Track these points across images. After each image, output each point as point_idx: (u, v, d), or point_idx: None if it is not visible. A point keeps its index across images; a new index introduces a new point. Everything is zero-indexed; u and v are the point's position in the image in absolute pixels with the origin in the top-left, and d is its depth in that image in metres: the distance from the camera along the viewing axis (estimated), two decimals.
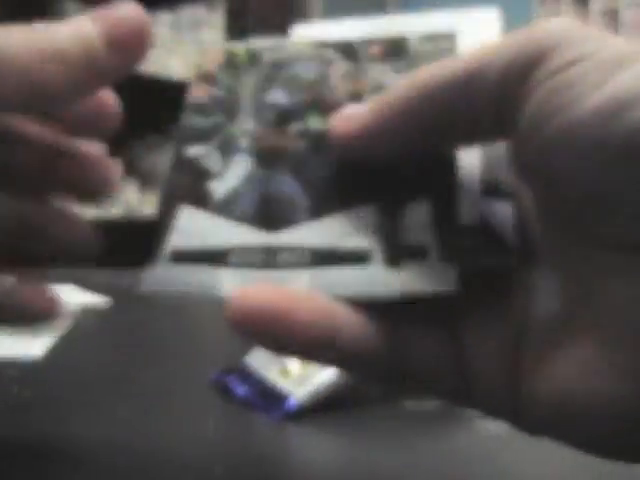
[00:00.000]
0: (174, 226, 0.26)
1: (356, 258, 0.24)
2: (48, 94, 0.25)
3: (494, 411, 0.25)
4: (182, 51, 3.00)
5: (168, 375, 0.50)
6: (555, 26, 0.22)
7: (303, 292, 0.24)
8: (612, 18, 4.00)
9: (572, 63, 0.21)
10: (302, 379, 0.42)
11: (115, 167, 0.31)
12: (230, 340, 0.58)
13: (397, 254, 0.24)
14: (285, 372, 0.43)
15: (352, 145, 0.25)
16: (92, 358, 0.51)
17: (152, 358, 0.57)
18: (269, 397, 0.42)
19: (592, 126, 0.20)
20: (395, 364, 0.24)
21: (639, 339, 0.21)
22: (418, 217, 0.24)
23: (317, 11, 3.78)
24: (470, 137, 0.24)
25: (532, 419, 0.24)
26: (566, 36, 0.22)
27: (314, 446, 0.37)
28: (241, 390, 0.44)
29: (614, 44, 0.21)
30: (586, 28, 0.22)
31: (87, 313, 0.66)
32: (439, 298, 0.24)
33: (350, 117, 0.25)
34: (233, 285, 0.24)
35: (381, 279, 0.24)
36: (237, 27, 3.49)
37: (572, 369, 0.22)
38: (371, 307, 0.24)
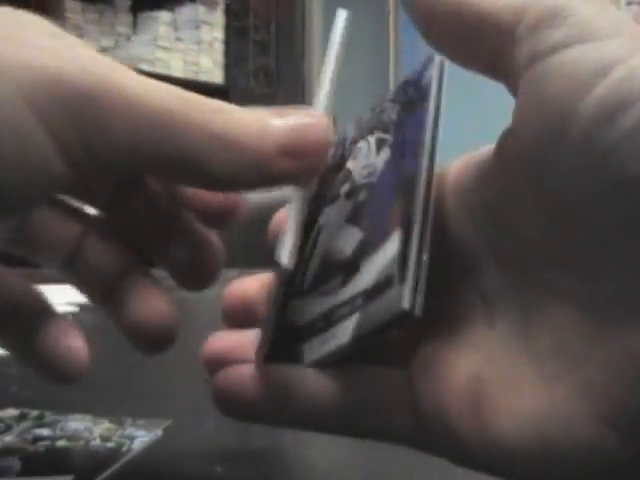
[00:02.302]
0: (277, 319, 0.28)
1: (385, 286, 0.24)
2: (203, 171, 0.24)
3: (460, 459, 0.24)
4: (182, 50, 3.00)
5: (167, 375, 0.50)
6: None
7: (258, 371, 0.26)
8: None
9: (574, 40, 0.20)
10: None
11: (222, 257, 0.30)
12: None
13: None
14: None
15: None
16: (91, 358, 0.51)
17: (151, 358, 0.57)
18: None
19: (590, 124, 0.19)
20: (349, 417, 0.25)
21: (612, 385, 0.20)
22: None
23: (317, 10, 3.78)
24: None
25: (503, 465, 0.22)
26: (572, 5, 0.21)
27: (313, 445, 0.37)
28: None
29: (614, 25, 0.20)
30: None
31: (86, 313, 0.66)
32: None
33: None
34: (310, 354, 0.26)
35: (399, 298, 0.23)
36: (237, 27, 3.49)
37: (542, 410, 0.21)
38: (327, 366, 0.25)
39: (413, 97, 0.27)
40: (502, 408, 0.22)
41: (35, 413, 0.39)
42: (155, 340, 0.30)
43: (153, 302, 0.29)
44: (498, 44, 0.22)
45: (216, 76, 3.12)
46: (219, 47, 3.16)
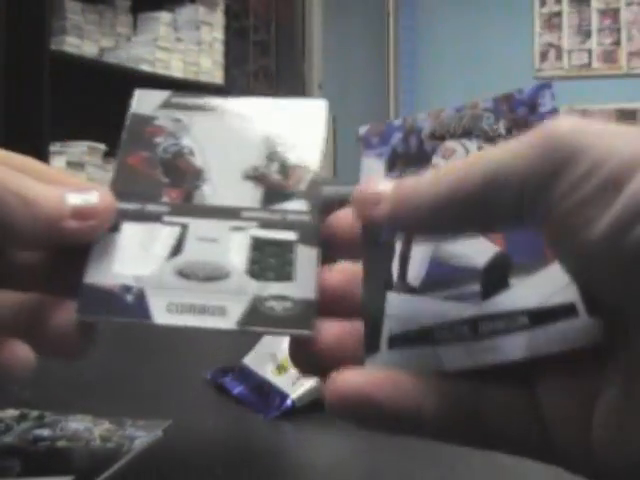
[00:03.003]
0: (386, 314, 0.27)
1: (565, 313, 0.25)
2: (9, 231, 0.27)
3: (575, 468, 0.24)
4: (182, 51, 3.00)
5: (167, 375, 0.50)
6: (566, 131, 0.23)
7: (387, 374, 0.25)
8: (613, 17, 4.00)
9: (585, 177, 0.22)
10: (298, 378, 0.42)
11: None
12: (227, 341, 0.58)
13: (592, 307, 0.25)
14: (281, 368, 0.43)
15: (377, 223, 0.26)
16: (91, 358, 0.51)
17: (151, 359, 0.57)
18: (265, 396, 0.42)
19: (605, 248, 0.21)
20: (474, 426, 0.25)
21: None
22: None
23: (317, 10, 3.77)
24: (492, 227, 0.26)
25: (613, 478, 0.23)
26: (578, 143, 0.22)
27: (313, 445, 0.37)
28: (237, 390, 0.44)
29: (624, 144, 0.22)
30: (595, 127, 0.23)
31: None
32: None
33: (376, 199, 0.26)
34: (450, 360, 0.26)
35: (586, 329, 0.24)
36: (237, 27, 3.49)
37: None
38: (454, 376, 0.25)
39: (529, 119, 0.28)
40: (610, 436, 0.23)
41: (35, 413, 0.39)
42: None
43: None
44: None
45: (216, 76, 3.12)
46: (219, 47, 3.15)
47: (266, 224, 0.29)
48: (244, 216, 0.30)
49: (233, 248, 0.29)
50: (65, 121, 2.41)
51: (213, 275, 0.28)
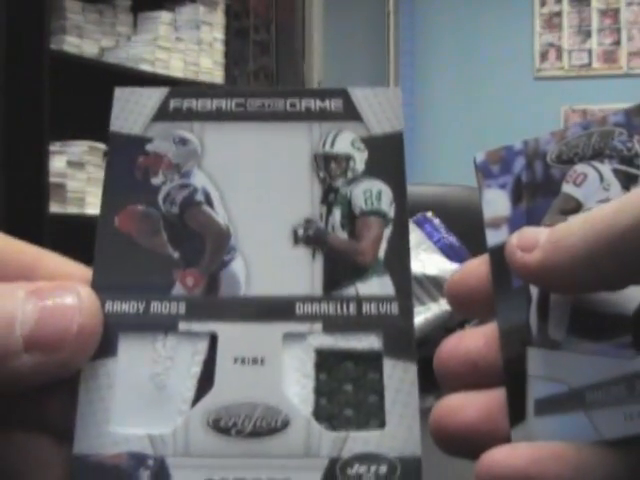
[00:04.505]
0: (528, 374, 0.23)
1: None
2: None
3: None
4: (182, 50, 3.00)
5: None
6: None
7: (540, 449, 0.22)
8: (613, 17, 4.00)
9: None
10: None
11: None
12: None
13: None
14: None
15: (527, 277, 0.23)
16: None
17: None
18: None
19: None
20: None
21: None
22: None
23: (317, 10, 3.78)
24: None
25: None
26: None
27: None
28: None
29: None
30: None
31: None
32: None
33: (526, 249, 0.23)
34: (607, 426, 0.22)
35: None
36: (237, 27, 3.49)
37: None
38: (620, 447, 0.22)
39: None
40: None
41: None
42: None
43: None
44: None
45: (216, 76, 3.12)
46: (219, 47, 3.15)
47: (334, 324, 0.20)
48: (300, 313, 0.20)
49: (289, 372, 0.20)
50: (65, 121, 2.41)
51: (264, 426, 0.19)
